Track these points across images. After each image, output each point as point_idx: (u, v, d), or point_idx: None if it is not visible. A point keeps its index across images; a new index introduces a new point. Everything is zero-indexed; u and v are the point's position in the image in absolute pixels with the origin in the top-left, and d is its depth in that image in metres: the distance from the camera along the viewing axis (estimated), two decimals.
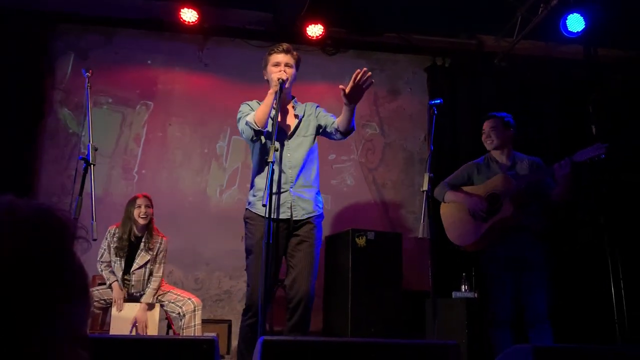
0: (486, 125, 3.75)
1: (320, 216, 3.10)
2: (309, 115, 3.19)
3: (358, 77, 2.78)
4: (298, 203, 3.02)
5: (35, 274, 0.68)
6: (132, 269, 4.02)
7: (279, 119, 3.07)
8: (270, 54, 3.13)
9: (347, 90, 2.81)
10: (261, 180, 3.08)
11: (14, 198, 0.74)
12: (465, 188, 3.76)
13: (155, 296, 4.02)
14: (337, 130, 3.08)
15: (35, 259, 0.68)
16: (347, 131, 3.06)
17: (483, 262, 3.70)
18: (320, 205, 3.12)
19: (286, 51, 3.12)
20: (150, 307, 3.99)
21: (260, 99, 3.17)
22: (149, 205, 4.02)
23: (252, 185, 3.19)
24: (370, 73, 2.81)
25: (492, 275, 3.61)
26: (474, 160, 3.87)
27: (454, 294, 4.56)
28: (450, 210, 3.78)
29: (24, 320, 0.66)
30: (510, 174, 3.60)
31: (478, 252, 3.74)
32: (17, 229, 0.69)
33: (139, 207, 3.97)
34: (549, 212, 3.65)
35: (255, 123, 2.96)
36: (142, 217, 3.97)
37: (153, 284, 4.02)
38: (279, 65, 3.07)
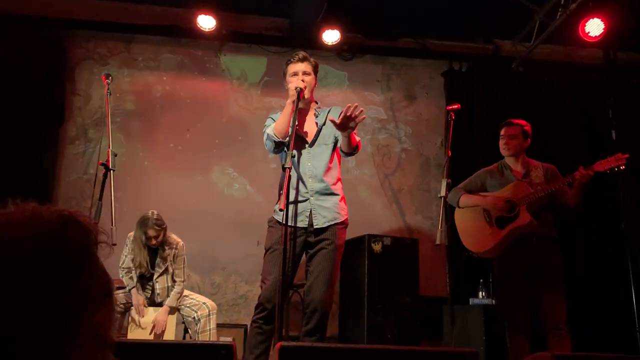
0: (505, 132, 3.70)
1: (343, 223, 3.08)
2: (330, 125, 3.17)
3: (349, 112, 2.78)
4: (318, 211, 3.01)
5: (59, 278, 0.69)
6: (155, 277, 4.04)
7: (300, 127, 3.08)
8: (288, 64, 3.13)
9: (338, 122, 2.81)
10: (282, 189, 3.09)
11: (37, 205, 0.75)
12: (480, 194, 3.73)
13: (179, 300, 4.05)
14: (341, 150, 3.09)
15: (60, 264, 0.69)
16: (350, 152, 3.07)
17: (498, 269, 3.67)
18: (343, 212, 3.10)
19: (303, 59, 3.11)
20: (172, 311, 4.01)
21: (278, 106, 3.20)
22: (158, 234, 3.97)
23: (278, 194, 3.20)
24: (362, 109, 2.81)
25: (507, 282, 3.58)
26: (488, 166, 3.84)
27: (471, 301, 4.53)
28: (465, 216, 3.76)
29: (48, 323, 0.67)
30: (525, 182, 3.58)
31: (492, 258, 3.71)
32: (42, 234, 0.70)
33: (149, 238, 3.95)
34: (564, 219, 3.63)
35: (276, 135, 2.97)
36: (154, 244, 4.00)
37: (177, 288, 4.05)
38: (297, 75, 3.06)
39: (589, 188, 3.45)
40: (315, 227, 2.99)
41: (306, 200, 3.01)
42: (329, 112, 3.18)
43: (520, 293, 3.48)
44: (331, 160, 3.11)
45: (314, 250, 3.01)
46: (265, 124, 3.18)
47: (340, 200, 3.11)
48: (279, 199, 3.11)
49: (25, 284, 0.67)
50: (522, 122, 3.73)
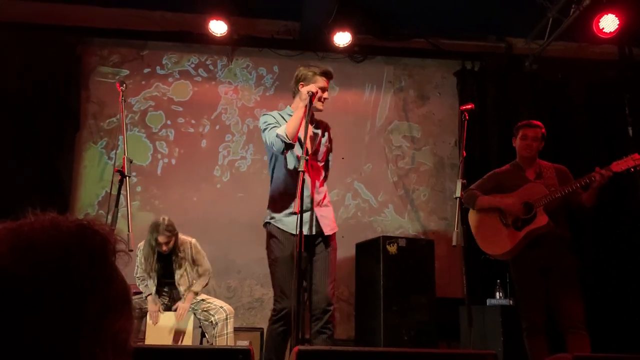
0: (530, 133, 3.67)
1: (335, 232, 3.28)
2: (326, 142, 3.33)
3: None
4: (323, 220, 3.15)
5: (81, 287, 0.69)
6: (176, 280, 4.06)
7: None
8: (319, 75, 3.17)
9: None
10: (283, 195, 3.15)
11: (56, 215, 0.76)
12: (496, 195, 3.71)
13: (204, 286, 4.18)
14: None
15: (81, 273, 0.70)
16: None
17: (514, 270, 3.65)
18: (335, 222, 3.30)
19: (331, 78, 3.26)
20: (188, 315, 4.03)
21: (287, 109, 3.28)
22: (169, 240, 3.99)
23: (272, 200, 3.22)
24: None
25: (524, 283, 3.57)
26: (500, 168, 3.83)
27: (489, 301, 4.50)
28: (480, 218, 3.73)
29: (69, 332, 0.67)
30: (540, 183, 3.57)
31: (508, 259, 3.69)
32: (63, 244, 0.71)
33: (160, 245, 3.98)
34: (579, 219, 3.62)
35: (287, 136, 2.99)
36: (165, 251, 4.02)
37: (204, 278, 4.18)
38: (326, 91, 3.19)
39: (605, 186, 3.42)
40: (326, 234, 3.13)
41: (309, 210, 3.09)
42: (321, 126, 3.33)
43: (537, 293, 3.46)
44: (324, 176, 3.31)
45: (316, 255, 3.12)
46: (266, 121, 3.20)
47: (332, 210, 3.31)
48: (278, 203, 3.15)
49: (45, 292, 0.67)
50: (540, 123, 3.72)
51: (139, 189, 5.43)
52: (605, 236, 5.36)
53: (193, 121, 5.68)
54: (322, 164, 3.29)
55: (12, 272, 0.67)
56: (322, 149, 3.26)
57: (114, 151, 5.38)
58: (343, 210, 5.65)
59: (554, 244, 3.47)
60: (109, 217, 2.80)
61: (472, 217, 3.78)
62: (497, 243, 3.63)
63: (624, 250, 5.26)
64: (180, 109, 5.69)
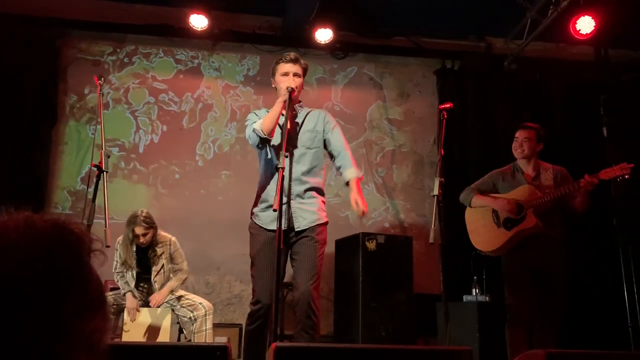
0: (520, 135, 3.76)
1: (324, 223, 3.08)
2: (316, 127, 3.17)
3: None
4: (299, 214, 3.00)
5: (54, 287, 0.69)
6: (152, 277, 4.03)
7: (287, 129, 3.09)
8: (278, 63, 3.10)
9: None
10: (264, 191, 3.09)
11: (31, 214, 0.75)
12: (491, 194, 3.82)
13: (181, 285, 4.10)
14: (337, 169, 3.19)
15: (56, 273, 0.70)
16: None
17: (506, 266, 3.74)
18: (323, 214, 3.09)
19: (294, 60, 3.07)
20: (165, 312, 4.00)
21: (269, 105, 3.21)
22: (147, 232, 3.94)
23: (256, 195, 3.19)
24: (366, 212, 3.02)
25: (512, 279, 3.65)
26: (501, 167, 3.91)
27: (465, 298, 4.56)
28: (475, 215, 3.86)
29: (44, 332, 0.67)
30: (534, 185, 3.65)
31: (499, 256, 3.78)
32: (38, 244, 0.70)
33: (137, 237, 3.92)
34: (570, 220, 3.72)
35: (262, 131, 2.97)
36: (142, 243, 3.98)
37: (181, 275, 4.11)
38: (288, 75, 3.04)
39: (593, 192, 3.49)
40: (297, 229, 2.99)
41: (286, 203, 2.98)
42: (307, 114, 3.20)
43: (524, 290, 3.56)
44: (315, 164, 3.11)
45: (294, 250, 3.02)
46: (249, 118, 3.19)
47: (320, 203, 3.10)
48: (257, 198, 3.12)
49: (19, 293, 0.67)
50: (537, 125, 3.79)
51: (122, 164, 5.44)
52: (582, 232, 5.44)
53: (176, 99, 5.68)
54: (313, 150, 3.11)
55: None
56: (307, 135, 3.11)
57: (96, 126, 5.32)
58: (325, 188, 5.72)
59: (544, 245, 3.57)
60: (86, 213, 2.77)
61: (468, 214, 3.93)
62: (487, 240, 3.75)
63: (600, 248, 5.35)
64: (164, 86, 5.68)
